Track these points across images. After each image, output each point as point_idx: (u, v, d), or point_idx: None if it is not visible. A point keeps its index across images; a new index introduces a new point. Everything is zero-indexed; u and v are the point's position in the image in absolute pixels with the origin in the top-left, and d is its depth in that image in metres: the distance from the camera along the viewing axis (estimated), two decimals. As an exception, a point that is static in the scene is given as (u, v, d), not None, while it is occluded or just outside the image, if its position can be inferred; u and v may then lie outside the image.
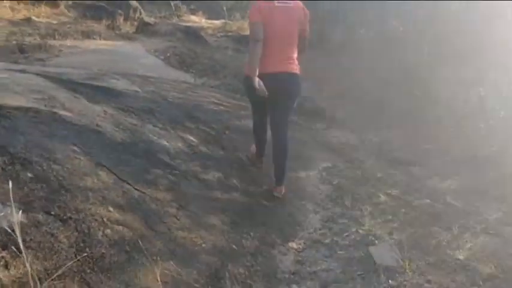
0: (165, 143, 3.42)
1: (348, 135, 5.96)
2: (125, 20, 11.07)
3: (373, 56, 7.78)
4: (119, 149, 2.90)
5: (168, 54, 8.15)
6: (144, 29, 10.42)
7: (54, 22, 8.78)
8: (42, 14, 9.73)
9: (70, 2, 11.27)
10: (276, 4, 3.28)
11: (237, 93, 6.57)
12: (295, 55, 3.41)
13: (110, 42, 8.21)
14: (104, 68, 6.46)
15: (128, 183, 2.59)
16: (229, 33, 12.26)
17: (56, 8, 10.52)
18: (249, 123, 3.92)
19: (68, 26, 8.44)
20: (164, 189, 2.78)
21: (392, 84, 6.83)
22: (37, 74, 4.12)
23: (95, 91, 3.99)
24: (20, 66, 4.97)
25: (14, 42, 6.95)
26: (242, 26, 13.53)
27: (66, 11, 10.40)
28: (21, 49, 6.82)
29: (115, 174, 2.58)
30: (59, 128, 2.80)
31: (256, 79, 3.18)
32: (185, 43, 9.34)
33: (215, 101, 5.50)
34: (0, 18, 8.22)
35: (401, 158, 4.93)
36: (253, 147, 3.85)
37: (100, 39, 8.34)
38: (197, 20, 14.17)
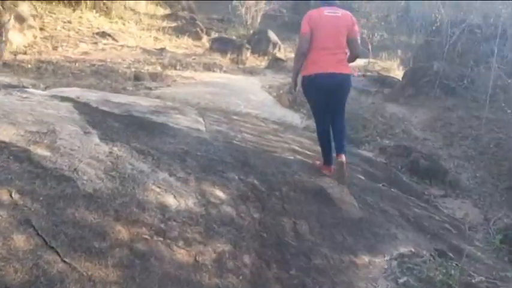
0: (170, 198, 2.76)
1: (468, 209, 4.54)
2: (258, 54, 11.00)
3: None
4: (80, 203, 2.34)
5: (281, 91, 7.59)
6: (274, 65, 10.14)
7: (182, 53, 9.02)
8: (181, 45, 10.18)
9: (214, 35, 11.69)
10: (326, 13, 3.66)
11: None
12: (345, 56, 3.74)
13: (227, 76, 8.04)
14: (203, 101, 6.22)
15: (57, 252, 1.98)
16: (369, 73, 11.25)
17: (198, 40, 10.97)
18: (322, 181, 3.67)
19: (193, 57, 8.56)
20: (115, 265, 2.10)
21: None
22: (77, 103, 3.90)
23: (137, 126, 3.59)
24: (98, 93, 4.90)
25: (133, 69, 7.18)
26: (388, 66, 12.42)
27: (207, 43, 10.75)
28: (137, 77, 7.01)
29: (39, 235, 2.01)
30: (15, 169, 2.37)
31: (297, 85, 3.93)
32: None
33: (296, 148, 4.68)
34: (136, 46, 8.74)
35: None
36: (318, 163, 4.08)
37: (220, 72, 8.24)
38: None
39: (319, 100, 3.80)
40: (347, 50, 3.73)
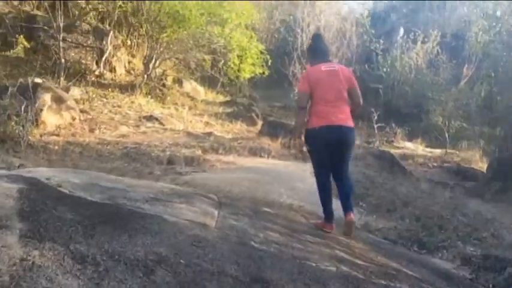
0: None
1: None
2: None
3: None
4: None
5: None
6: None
7: (230, 137, 8.29)
8: (233, 130, 9.53)
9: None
10: (323, 68, 3.72)
11: (405, 241, 4.37)
12: (348, 109, 3.73)
13: (274, 161, 7.09)
14: (237, 188, 5.26)
15: None
16: (446, 164, 9.77)
17: (253, 125, 10.32)
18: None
19: (240, 141, 7.76)
20: None
21: None
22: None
23: (105, 219, 2.63)
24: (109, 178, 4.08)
25: (169, 153, 6.48)
26: (468, 157, 10.87)
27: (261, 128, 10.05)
28: (171, 160, 6.27)
29: None
30: None
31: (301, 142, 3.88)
32: (370, 170, 7.48)
33: (343, 255, 3.41)
34: (181, 130, 8.17)
35: None
36: (318, 222, 4.06)
37: (267, 158, 7.31)
38: (412, 147, 12.11)
39: (321, 152, 3.77)
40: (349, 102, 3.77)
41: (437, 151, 12.06)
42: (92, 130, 6.98)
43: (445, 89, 15.29)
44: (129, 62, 11.29)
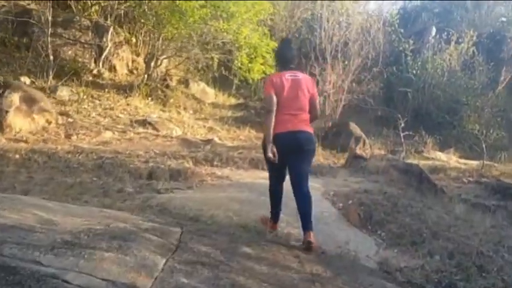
0: None
1: None
2: (336, 150, 8.93)
3: None
4: None
5: (350, 202, 5.30)
6: (352, 163, 7.93)
7: (232, 145, 7.25)
8: (239, 137, 8.51)
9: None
10: (287, 76, 3.76)
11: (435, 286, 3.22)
12: (307, 117, 3.82)
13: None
14: (224, 213, 4.24)
15: None
16: (484, 179, 8.45)
17: (263, 131, 9.26)
18: None
19: (240, 151, 6.71)
20: None
21: None
22: None
23: None
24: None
25: (152, 164, 5.49)
26: (509, 170, 9.52)
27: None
28: (152, 174, 5.29)
29: None
30: None
31: (270, 147, 3.63)
32: (393, 187, 6.31)
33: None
34: (177, 137, 7.19)
35: None
36: (264, 217, 4.18)
37: (271, 171, 6.25)
38: (444, 158, 10.79)
39: (281, 160, 3.65)
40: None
41: (473, 163, 10.69)
42: (68, 136, 6.08)
43: (481, 93, 13.91)
44: (133, 61, 10.41)
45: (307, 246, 3.59)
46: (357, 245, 4.42)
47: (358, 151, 8.37)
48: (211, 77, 11.58)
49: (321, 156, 7.97)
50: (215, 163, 6.06)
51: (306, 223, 3.71)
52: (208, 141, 7.29)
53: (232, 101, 11.66)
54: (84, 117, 7.11)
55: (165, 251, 2.61)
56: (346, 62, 10.04)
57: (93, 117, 7.26)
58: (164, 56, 9.40)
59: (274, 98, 3.66)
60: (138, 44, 10.67)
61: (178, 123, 8.21)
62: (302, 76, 3.83)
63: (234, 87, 12.63)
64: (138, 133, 6.90)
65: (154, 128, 7.38)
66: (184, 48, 9.11)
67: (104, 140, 6.27)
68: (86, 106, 7.67)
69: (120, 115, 7.66)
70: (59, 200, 4.02)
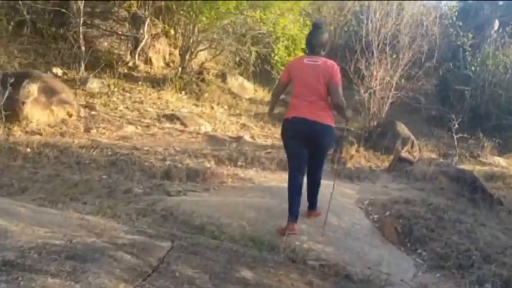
0: None
1: None
2: (380, 152, 8.19)
3: None
4: None
5: (388, 213, 4.63)
6: (396, 167, 7.19)
7: (262, 144, 6.72)
8: (274, 135, 7.97)
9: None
10: (305, 61, 3.68)
11: None
12: (323, 105, 3.62)
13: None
14: (236, 223, 3.75)
15: None
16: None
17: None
18: None
19: (269, 151, 6.16)
20: None
21: None
22: None
23: None
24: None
25: (169, 163, 5.08)
26: None
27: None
28: (168, 174, 4.88)
29: None
30: None
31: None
32: (441, 198, 5.55)
33: None
34: (204, 133, 6.75)
35: None
36: (282, 228, 3.74)
37: (301, 174, 5.68)
38: (504, 163, 9.71)
39: (291, 146, 3.75)
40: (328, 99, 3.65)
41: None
42: (87, 130, 5.79)
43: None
44: (170, 54, 10.11)
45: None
46: (390, 266, 3.80)
47: (405, 154, 7.58)
48: (251, 71, 11.06)
49: (362, 158, 7.27)
50: (239, 163, 5.56)
51: (310, 201, 4.00)
52: (237, 139, 6.82)
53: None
54: (111, 111, 6.85)
55: (135, 276, 2.13)
56: (395, 56, 9.19)
57: (120, 110, 6.98)
58: (199, 49, 9.00)
59: (283, 85, 3.80)
60: (177, 36, 10.35)
61: (210, 118, 7.79)
62: (322, 62, 3.63)
63: (276, 82, 12.09)
64: (163, 128, 6.53)
65: (182, 123, 6.99)
66: (219, 41, 8.66)
67: (125, 134, 5.94)
68: (114, 99, 7.41)
69: (149, 109, 7.34)
70: (56, 201, 3.68)
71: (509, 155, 10.09)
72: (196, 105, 8.48)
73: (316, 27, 3.86)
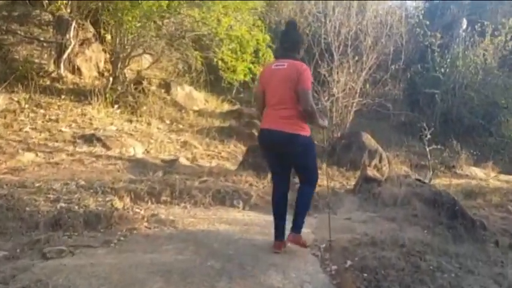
0: None
1: None
2: (346, 168, 7.16)
3: None
4: None
5: (349, 264, 3.48)
6: (362, 188, 6.12)
7: (200, 169, 5.51)
8: (220, 154, 6.81)
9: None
10: (273, 67, 3.41)
11: None
12: (292, 113, 3.29)
13: (251, 217, 4.25)
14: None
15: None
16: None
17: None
18: None
19: (205, 179, 4.94)
20: None
21: None
22: None
23: None
24: None
25: (63, 205, 3.82)
26: None
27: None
28: (57, 222, 3.62)
29: None
30: None
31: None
32: (415, 229, 4.48)
33: None
34: (128, 157, 5.50)
35: None
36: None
37: (243, 209, 4.50)
38: (481, 174, 8.83)
39: (268, 158, 3.58)
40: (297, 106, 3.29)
41: (516, 180, 8.74)
42: (-35, 161, 4.49)
43: (523, 94, 11.89)
44: (105, 62, 8.82)
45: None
46: None
47: (372, 171, 6.51)
48: (203, 79, 9.87)
49: (324, 178, 6.15)
50: (163, 198, 4.34)
51: (294, 221, 3.47)
52: (171, 163, 5.60)
53: (226, 107, 9.96)
54: (12, 133, 5.52)
55: None
56: (358, 59, 8.17)
57: (24, 132, 5.66)
58: (133, 54, 7.74)
59: (260, 96, 3.45)
60: (114, 41, 9.07)
61: (144, 137, 6.54)
62: (289, 65, 3.32)
63: (234, 90, 10.97)
64: (75, 154, 5.24)
65: (105, 146, 5.73)
66: (153, 45, 7.43)
67: (18, 165, 4.63)
68: (23, 118, 6.09)
69: (65, 129, 6.03)
70: None
71: (486, 165, 9.24)
72: (130, 121, 7.22)
73: (288, 28, 3.53)
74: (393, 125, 12.25)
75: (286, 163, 3.43)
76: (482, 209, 6.33)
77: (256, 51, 8.25)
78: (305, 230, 4.21)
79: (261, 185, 4.96)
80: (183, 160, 5.73)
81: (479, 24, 12.11)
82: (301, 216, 3.47)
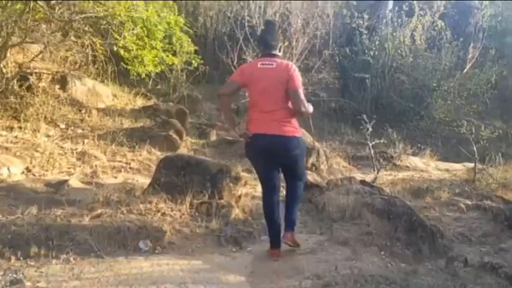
0: None
1: None
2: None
3: None
4: None
5: None
6: (305, 197, 5.13)
7: (96, 192, 4.21)
8: (131, 165, 5.50)
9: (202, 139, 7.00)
10: (259, 66, 3.35)
11: None
12: (285, 114, 3.32)
13: (161, 267, 3.06)
14: None
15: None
16: (487, 202, 5.93)
17: (172, 150, 6.30)
18: None
19: (98, 212, 3.67)
20: None
21: None
22: None
23: None
24: None
25: None
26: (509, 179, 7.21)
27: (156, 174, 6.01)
28: None
29: None
30: None
31: (235, 129, 3.49)
32: (372, 246, 3.63)
33: None
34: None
35: None
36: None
37: (152, 253, 3.30)
38: (421, 164, 8.28)
39: (259, 164, 3.49)
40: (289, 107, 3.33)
41: (457, 168, 8.30)
42: None
43: (450, 75, 11.67)
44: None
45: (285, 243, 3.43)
46: None
47: (311, 176, 5.57)
48: (111, 71, 8.37)
49: (250, 201, 5.05)
50: (33, 250, 3.03)
51: (287, 219, 3.48)
52: (57, 186, 4.23)
53: (139, 102, 8.57)
54: None
55: None
56: (287, 44, 7.16)
57: None
58: (11, 43, 6.13)
59: (235, 85, 3.38)
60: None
61: (25, 151, 5.06)
62: (277, 64, 3.32)
63: (150, 82, 9.59)
64: None
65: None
66: (34, 31, 5.90)
67: None
68: None
69: None
70: None
71: (423, 153, 8.74)
72: (11, 129, 5.68)
73: (268, 25, 3.64)
74: (324, 111, 11.53)
75: (275, 164, 3.42)
76: (432, 209, 5.75)
77: (169, 37, 6.97)
78: (234, 279, 3.12)
79: (178, 213, 3.76)
80: (74, 182, 4.37)
81: (407, 4, 11.63)
82: (295, 210, 3.54)
